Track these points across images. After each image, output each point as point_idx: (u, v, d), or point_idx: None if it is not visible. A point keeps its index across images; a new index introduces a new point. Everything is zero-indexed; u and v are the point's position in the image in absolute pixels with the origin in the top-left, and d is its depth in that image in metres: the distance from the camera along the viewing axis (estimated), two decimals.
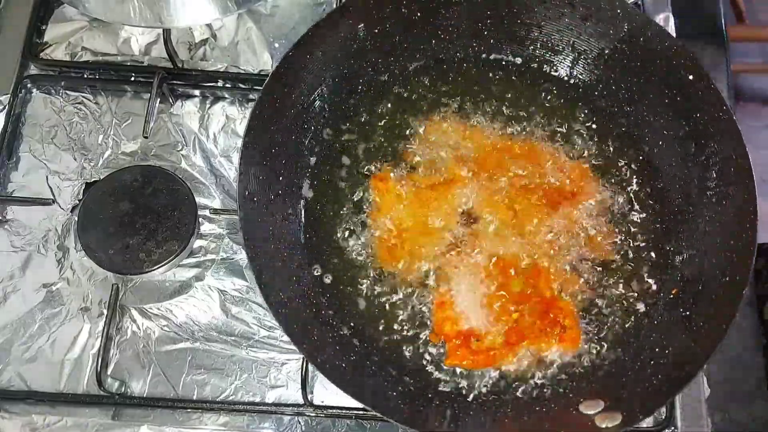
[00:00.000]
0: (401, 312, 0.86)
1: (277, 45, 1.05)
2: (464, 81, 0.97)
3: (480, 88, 0.97)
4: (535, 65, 0.98)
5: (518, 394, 0.83)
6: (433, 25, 0.94)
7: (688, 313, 0.81)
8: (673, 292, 0.85)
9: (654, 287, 0.87)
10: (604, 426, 0.73)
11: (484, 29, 0.95)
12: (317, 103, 0.91)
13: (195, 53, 1.04)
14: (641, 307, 0.87)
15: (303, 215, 0.90)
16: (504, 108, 0.96)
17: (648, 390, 0.76)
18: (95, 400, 0.86)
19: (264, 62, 1.04)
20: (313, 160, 0.93)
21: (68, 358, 0.89)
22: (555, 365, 0.84)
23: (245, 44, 1.05)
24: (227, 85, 1.01)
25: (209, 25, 1.05)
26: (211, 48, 1.05)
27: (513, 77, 0.97)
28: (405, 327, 0.86)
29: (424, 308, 0.86)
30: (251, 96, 1.01)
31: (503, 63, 0.98)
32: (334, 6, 1.04)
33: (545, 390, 0.83)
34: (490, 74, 0.97)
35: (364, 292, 0.87)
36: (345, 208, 0.91)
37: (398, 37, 0.94)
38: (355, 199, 0.91)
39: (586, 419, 0.75)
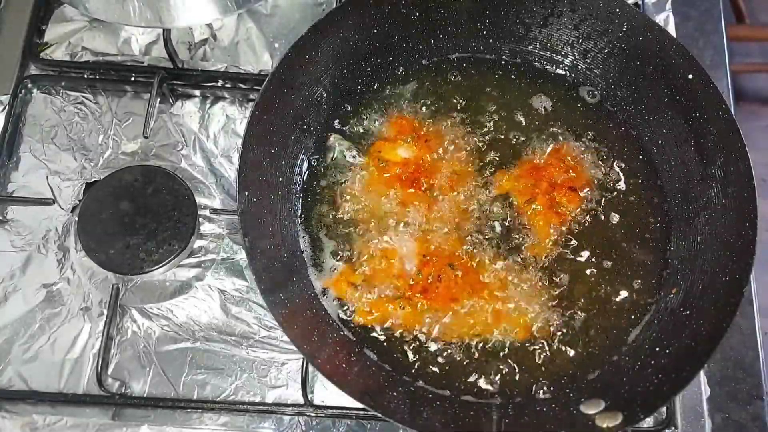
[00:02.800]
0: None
1: (277, 45, 1.05)
2: (464, 81, 0.97)
3: (480, 88, 0.97)
4: (535, 64, 0.98)
5: (518, 394, 0.83)
6: (431, 24, 0.94)
7: (688, 312, 0.81)
8: (673, 291, 0.85)
9: (654, 287, 0.87)
10: (604, 426, 0.73)
11: (483, 29, 0.96)
12: (316, 103, 0.91)
13: (195, 53, 1.04)
14: (641, 306, 0.87)
15: (303, 215, 0.90)
16: (503, 107, 0.96)
17: (649, 390, 0.76)
18: (95, 400, 0.86)
19: (264, 62, 1.04)
20: (313, 160, 0.93)
21: (68, 358, 0.88)
22: (555, 365, 0.84)
23: (245, 44, 1.05)
24: (227, 85, 1.01)
25: (209, 25, 1.05)
26: (211, 48, 1.05)
27: (512, 76, 0.97)
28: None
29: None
30: (251, 96, 1.01)
31: (502, 62, 0.98)
32: (334, 6, 1.04)
33: (545, 390, 0.83)
34: (490, 73, 0.97)
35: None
36: (345, 209, 0.91)
37: (397, 37, 0.94)
38: (354, 197, 0.91)
39: (587, 419, 0.75)
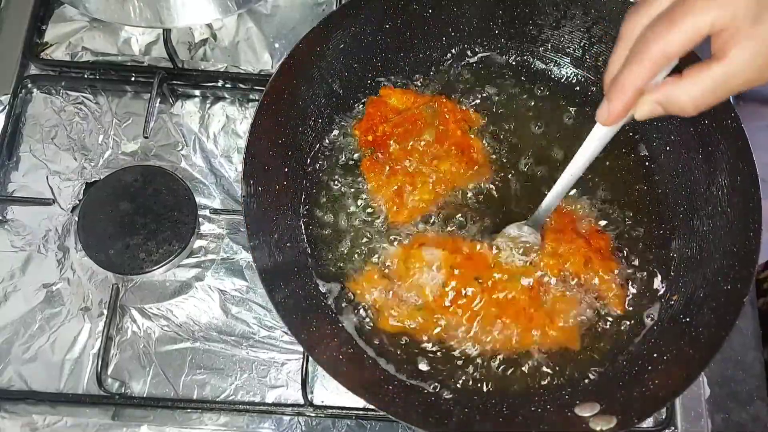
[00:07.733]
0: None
1: (277, 45, 1.05)
2: (473, 78, 0.96)
3: (490, 88, 0.96)
4: (544, 66, 0.97)
5: (514, 394, 0.82)
6: (444, 21, 0.93)
7: (688, 319, 0.81)
8: (674, 298, 0.85)
9: (654, 293, 0.87)
10: (598, 429, 0.72)
11: (495, 28, 0.95)
12: (325, 96, 0.90)
13: (195, 53, 1.04)
14: (640, 312, 0.86)
15: (307, 210, 0.90)
16: (513, 106, 0.95)
17: (644, 395, 0.76)
18: (95, 400, 0.86)
19: (264, 62, 1.04)
20: (320, 154, 0.92)
21: (68, 358, 0.89)
22: (552, 367, 0.84)
23: (245, 44, 1.05)
24: (227, 85, 1.00)
25: (209, 25, 1.05)
26: (211, 48, 1.05)
27: (522, 77, 0.97)
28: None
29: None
30: (251, 96, 1.01)
31: (513, 63, 0.97)
32: (335, 6, 1.04)
33: (541, 391, 0.82)
34: (500, 74, 0.97)
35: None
36: (348, 202, 0.90)
37: (409, 33, 0.92)
38: (358, 193, 0.91)
39: (581, 421, 0.75)
